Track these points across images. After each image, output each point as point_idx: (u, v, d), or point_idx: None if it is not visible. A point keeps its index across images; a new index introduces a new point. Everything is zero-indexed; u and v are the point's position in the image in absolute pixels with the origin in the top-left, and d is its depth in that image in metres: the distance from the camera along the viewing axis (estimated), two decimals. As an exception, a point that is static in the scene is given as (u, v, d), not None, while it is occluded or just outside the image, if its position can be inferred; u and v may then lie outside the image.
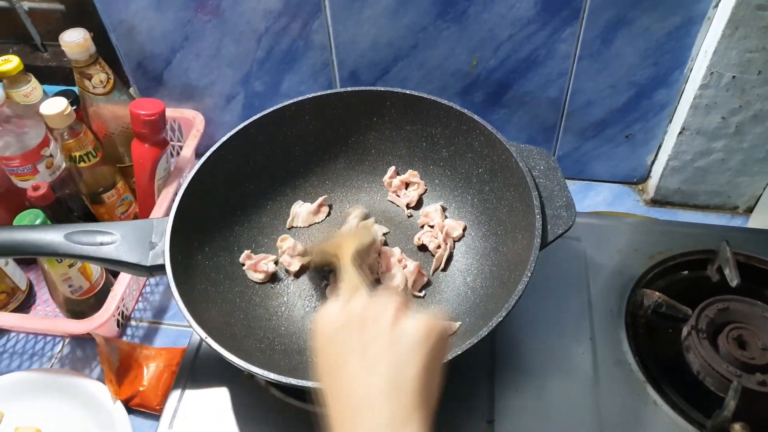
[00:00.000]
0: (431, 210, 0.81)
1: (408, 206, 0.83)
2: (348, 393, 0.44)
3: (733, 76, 0.79)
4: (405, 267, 0.76)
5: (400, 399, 0.43)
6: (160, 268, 0.66)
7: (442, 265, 0.78)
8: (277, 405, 0.70)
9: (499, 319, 0.58)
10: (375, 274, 0.77)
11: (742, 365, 0.67)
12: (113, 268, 0.68)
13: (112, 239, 0.66)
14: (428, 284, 0.77)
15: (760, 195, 0.92)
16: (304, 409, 0.69)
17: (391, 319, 0.46)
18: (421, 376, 0.44)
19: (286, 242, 0.79)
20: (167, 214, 0.69)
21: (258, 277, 0.77)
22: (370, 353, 0.45)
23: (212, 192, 0.75)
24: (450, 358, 0.57)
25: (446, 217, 0.81)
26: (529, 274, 0.61)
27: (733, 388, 0.64)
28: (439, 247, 0.79)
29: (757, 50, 0.76)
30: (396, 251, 0.78)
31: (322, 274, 0.79)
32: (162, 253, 0.66)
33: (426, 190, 0.84)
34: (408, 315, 0.47)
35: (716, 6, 0.77)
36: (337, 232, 0.79)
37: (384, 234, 0.82)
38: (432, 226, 0.80)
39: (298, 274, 0.80)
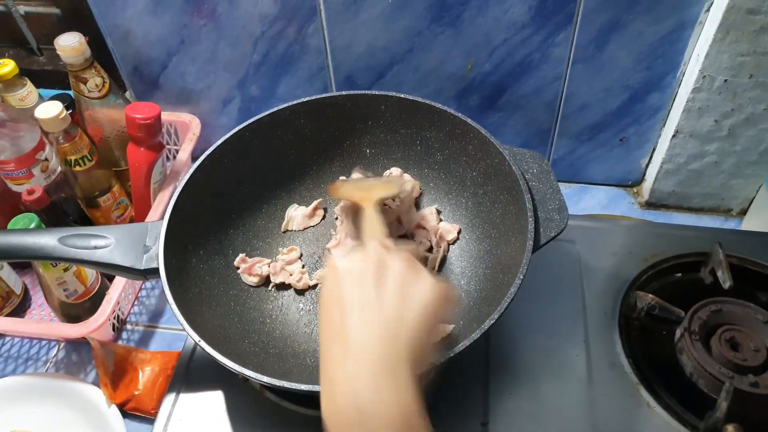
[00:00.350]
0: (426, 213, 0.81)
1: None
2: (349, 331, 0.45)
3: (725, 80, 0.80)
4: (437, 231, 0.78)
5: (394, 348, 0.44)
6: (154, 272, 0.66)
7: (436, 268, 0.78)
8: (272, 408, 0.70)
9: (491, 322, 0.58)
10: (402, 229, 0.79)
11: (734, 367, 0.67)
12: (107, 271, 0.68)
13: (106, 243, 0.67)
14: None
15: (753, 197, 0.92)
16: (298, 413, 0.70)
17: (404, 272, 0.48)
18: (417, 328, 0.45)
19: (293, 253, 0.80)
20: (163, 217, 0.69)
21: (252, 280, 0.77)
22: (380, 301, 0.46)
23: (207, 195, 0.75)
24: (444, 360, 0.57)
25: (441, 220, 0.81)
26: (521, 277, 0.61)
27: (725, 390, 0.65)
28: (429, 249, 0.79)
29: (748, 54, 0.77)
30: (430, 215, 0.81)
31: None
32: (156, 256, 0.66)
33: (421, 192, 0.84)
34: (420, 273, 0.49)
35: (708, 10, 0.77)
36: (366, 180, 0.80)
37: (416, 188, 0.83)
38: (426, 229, 0.81)
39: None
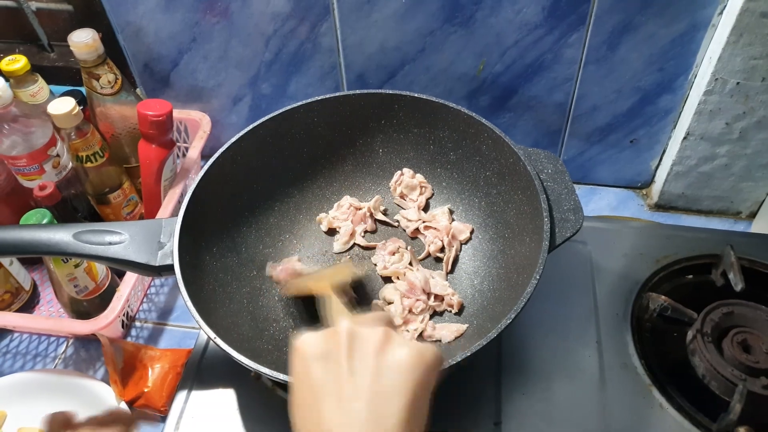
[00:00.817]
0: (438, 213, 0.82)
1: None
2: (327, 425, 0.41)
3: (738, 83, 0.80)
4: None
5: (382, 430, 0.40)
6: (168, 269, 0.66)
7: (449, 268, 0.78)
8: (284, 406, 0.70)
9: (508, 321, 0.59)
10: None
11: (746, 369, 0.67)
12: (121, 267, 0.68)
13: (121, 239, 0.67)
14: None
15: (763, 200, 0.92)
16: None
17: (378, 345, 0.44)
18: (407, 409, 0.41)
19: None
20: (173, 214, 0.69)
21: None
22: (354, 384, 0.42)
23: (220, 192, 0.75)
24: (459, 360, 0.57)
25: (453, 220, 0.81)
26: (537, 277, 0.61)
27: (738, 392, 0.65)
28: (441, 249, 0.79)
29: (761, 57, 0.77)
30: (441, 215, 0.80)
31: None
32: (170, 253, 0.66)
33: (433, 193, 0.84)
34: (396, 342, 0.44)
35: (721, 13, 0.77)
36: (315, 272, 0.77)
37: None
38: (438, 229, 0.81)
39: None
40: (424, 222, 0.82)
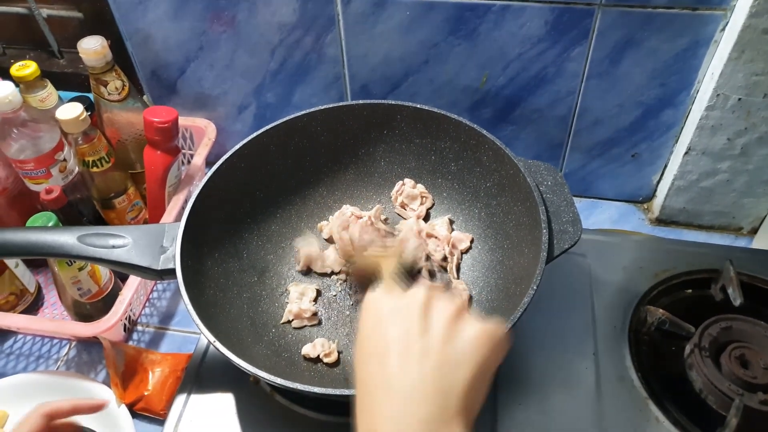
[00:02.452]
0: (438, 223, 0.82)
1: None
2: (393, 378, 0.42)
3: (739, 99, 0.80)
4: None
5: (446, 400, 0.41)
6: (170, 273, 0.66)
7: (455, 275, 0.78)
8: (282, 412, 0.71)
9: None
10: None
11: (744, 384, 0.67)
12: (124, 271, 0.69)
13: (124, 242, 0.67)
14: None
15: (765, 216, 0.93)
16: (308, 417, 0.70)
17: (454, 314, 0.45)
18: (471, 381, 0.42)
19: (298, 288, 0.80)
20: (177, 220, 0.70)
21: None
22: (426, 344, 0.43)
23: (223, 199, 0.76)
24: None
25: (453, 230, 0.82)
26: (534, 287, 0.62)
27: (735, 407, 0.65)
28: (444, 259, 0.80)
29: (763, 73, 0.77)
30: (441, 225, 0.81)
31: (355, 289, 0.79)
32: (173, 257, 0.67)
33: (434, 203, 0.84)
34: (469, 317, 0.45)
35: (723, 29, 0.78)
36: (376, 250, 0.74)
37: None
38: (439, 239, 0.81)
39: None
40: (425, 231, 0.82)
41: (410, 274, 0.71)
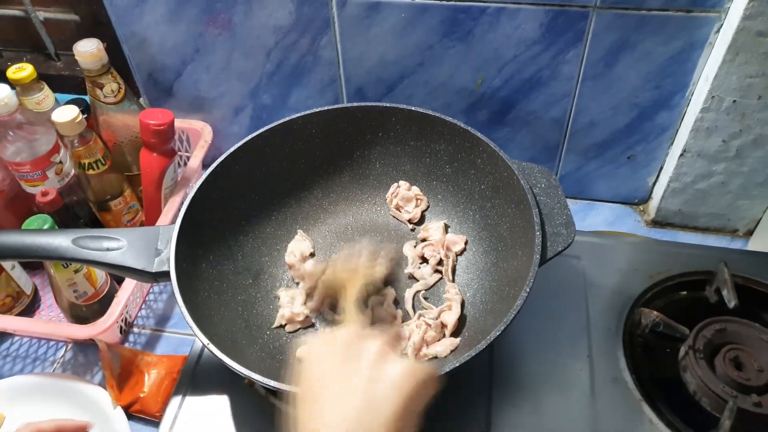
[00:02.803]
0: (433, 227, 0.82)
1: (410, 222, 0.84)
2: (323, 417, 0.44)
3: (734, 101, 0.80)
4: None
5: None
6: (164, 275, 0.67)
7: (450, 278, 0.79)
8: (277, 414, 0.71)
9: (497, 333, 0.59)
10: (388, 318, 0.76)
11: (738, 386, 0.67)
12: (119, 273, 0.69)
13: (119, 245, 0.68)
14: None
15: (760, 219, 0.93)
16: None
17: (374, 356, 0.47)
18: (395, 418, 0.44)
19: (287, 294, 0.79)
20: (173, 222, 0.70)
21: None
22: (352, 383, 0.45)
23: (218, 201, 0.76)
24: (449, 370, 0.57)
25: (448, 233, 0.82)
26: (527, 290, 0.62)
27: (728, 409, 0.65)
28: (440, 263, 0.80)
29: (757, 75, 0.77)
30: (436, 229, 0.82)
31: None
32: (167, 260, 0.67)
33: (429, 206, 0.85)
34: (390, 358, 0.47)
35: (718, 31, 0.78)
36: (347, 265, 0.74)
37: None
38: (433, 244, 0.81)
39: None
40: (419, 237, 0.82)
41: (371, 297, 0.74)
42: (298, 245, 0.82)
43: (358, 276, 0.69)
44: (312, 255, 0.83)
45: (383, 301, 0.76)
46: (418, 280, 0.79)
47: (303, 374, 0.49)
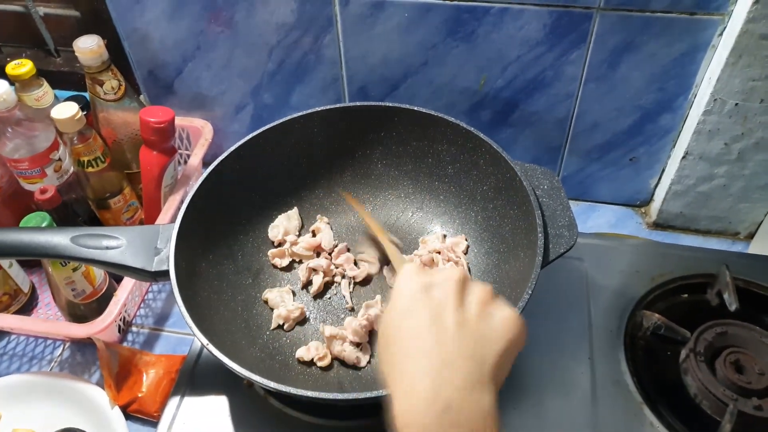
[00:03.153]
0: (430, 239, 0.82)
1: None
2: (432, 344, 0.45)
3: (736, 104, 0.80)
4: None
5: (481, 367, 0.44)
6: (164, 274, 0.66)
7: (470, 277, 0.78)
8: (276, 415, 0.70)
9: (500, 335, 0.59)
10: None
11: (739, 389, 0.67)
12: (118, 272, 0.69)
13: (118, 244, 0.67)
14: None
15: (761, 222, 0.93)
16: (302, 420, 0.70)
17: (487, 295, 0.48)
18: (501, 355, 0.45)
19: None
20: (173, 221, 0.70)
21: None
22: (462, 316, 0.46)
23: (219, 200, 0.75)
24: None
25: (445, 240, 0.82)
26: (530, 292, 0.62)
27: (729, 412, 0.65)
28: (457, 264, 0.79)
29: (760, 79, 0.77)
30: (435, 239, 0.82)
31: None
32: (167, 259, 0.66)
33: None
34: (501, 301, 0.48)
35: (721, 34, 0.78)
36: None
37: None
38: (439, 252, 0.81)
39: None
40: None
41: None
42: (287, 222, 0.82)
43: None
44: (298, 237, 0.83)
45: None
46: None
47: (404, 304, 0.48)
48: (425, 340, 0.45)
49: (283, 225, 0.82)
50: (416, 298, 0.48)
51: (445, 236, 0.82)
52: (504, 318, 0.47)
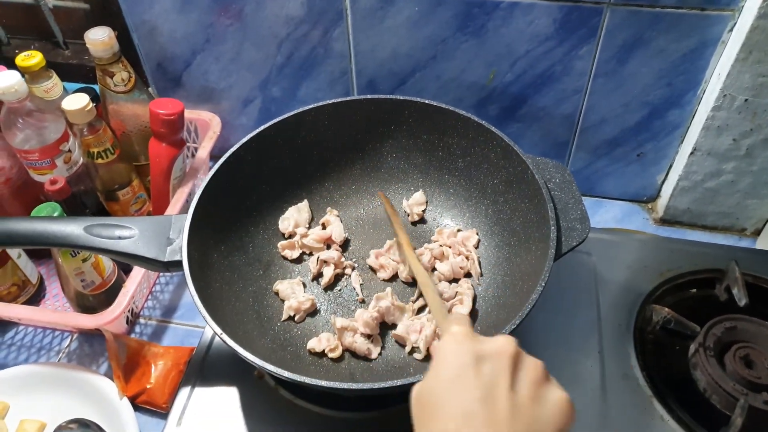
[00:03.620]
0: (447, 232, 0.82)
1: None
2: (483, 424, 0.40)
3: (746, 99, 0.80)
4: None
5: None
6: (176, 264, 0.66)
7: (480, 272, 0.78)
8: (287, 406, 0.71)
9: (513, 326, 0.59)
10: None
11: (748, 384, 0.68)
12: (130, 262, 0.69)
13: (131, 234, 0.67)
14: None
15: (768, 218, 0.93)
16: (312, 411, 0.70)
17: (542, 374, 0.44)
18: None
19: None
20: (181, 213, 0.70)
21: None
22: (516, 400, 0.42)
23: (230, 191, 0.76)
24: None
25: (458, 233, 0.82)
26: (543, 284, 0.62)
27: (739, 406, 0.65)
28: (467, 258, 0.80)
29: (770, 74, 0.77)
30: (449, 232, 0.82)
31: None
32: (179, 249, 0.67)
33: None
34: (554, 382, 0.45)
35: (731, 30, 0.78)
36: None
37: None
38: (449, 246, 0.81)
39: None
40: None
41: None
42: (297, 214, 0.82)
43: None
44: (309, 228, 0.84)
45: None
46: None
47: (464, 364, 0.43)
48: (476, 418, 0.41)
49: (294, 217, 0.82)
50: (466, 369, 0.43)
51: (459, 230, 0.82)
52: (557, 402, 0.43)
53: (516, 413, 0.41)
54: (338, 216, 0.84)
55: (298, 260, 0.82)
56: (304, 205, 0.84)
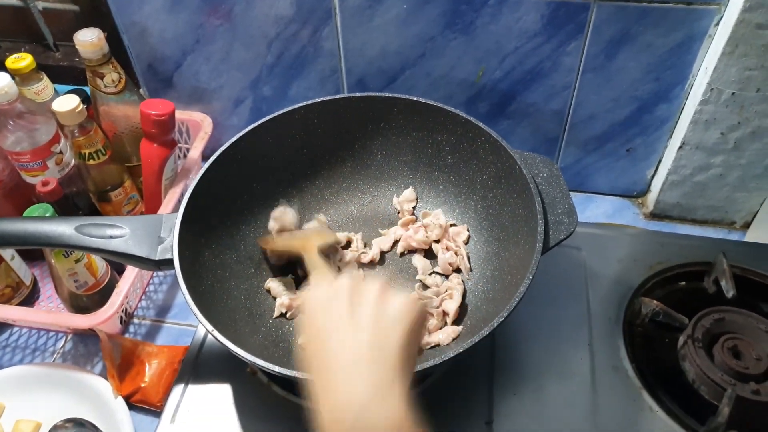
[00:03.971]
0: (432, 219, 0.83)
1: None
2: (335, 359, 0.46)
3: (733, 93, 0.81)
4: None
5: (385, 365, 0.45)
6: (168, 263, 0.67)
7: (469, 267, 0.79)
8: (279, 402, 0.71)
9: (501, 320, 0.59)
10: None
11: (736, 374, 0.68)
12: (122, 261, 0.69)
13: (122, 233, 0.68)
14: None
15: (757, 211, 0.93)
16: (304, 406, 0.70)
17: (378, 292, 0.49)
18: (403, 342, 0.46)
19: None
20: (175, 211, 0.70)
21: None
22: (358, 321, 0.47)
23: (221, 190, 0.76)
24: (451, 356, 0.58)
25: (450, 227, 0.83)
26: (530, 277, 0.62)
27: (727, 396, 0.66)
28: (456, 254, 0.80)
29: (756, 68, 0.78)
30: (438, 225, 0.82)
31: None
32: (170, 248, 0.67)
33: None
34: (392, 292, 0.50)
35: (717, 24, 0.78)
36: (301, 231, 0.82)
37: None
38: (437, 240, 0.82)
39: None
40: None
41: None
42: (285, 216, 0.82)
43: (310, 241, 0.75)
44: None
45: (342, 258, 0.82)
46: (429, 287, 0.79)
47: (309, 325, 0.50)
48: (328, 355, 0.47)
49: (280, 220, 0.82)
50: (315, 317, 0.50)
51: (452, 224, 0.83)
52: (398, 306, 0.48)
53: (359, 329, 0.47)
54: (326, 222, 0.85)
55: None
56: (290, 209, 0.84)
